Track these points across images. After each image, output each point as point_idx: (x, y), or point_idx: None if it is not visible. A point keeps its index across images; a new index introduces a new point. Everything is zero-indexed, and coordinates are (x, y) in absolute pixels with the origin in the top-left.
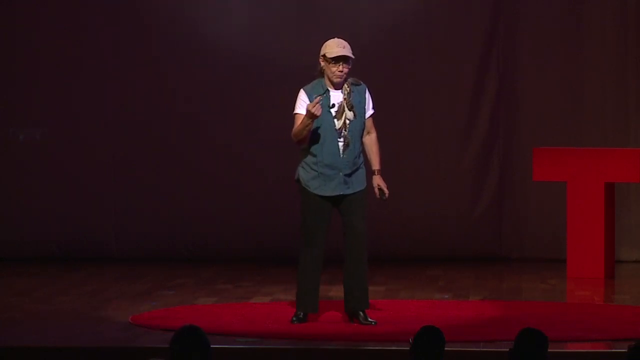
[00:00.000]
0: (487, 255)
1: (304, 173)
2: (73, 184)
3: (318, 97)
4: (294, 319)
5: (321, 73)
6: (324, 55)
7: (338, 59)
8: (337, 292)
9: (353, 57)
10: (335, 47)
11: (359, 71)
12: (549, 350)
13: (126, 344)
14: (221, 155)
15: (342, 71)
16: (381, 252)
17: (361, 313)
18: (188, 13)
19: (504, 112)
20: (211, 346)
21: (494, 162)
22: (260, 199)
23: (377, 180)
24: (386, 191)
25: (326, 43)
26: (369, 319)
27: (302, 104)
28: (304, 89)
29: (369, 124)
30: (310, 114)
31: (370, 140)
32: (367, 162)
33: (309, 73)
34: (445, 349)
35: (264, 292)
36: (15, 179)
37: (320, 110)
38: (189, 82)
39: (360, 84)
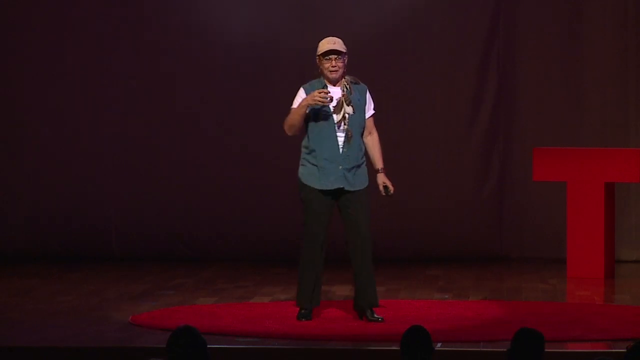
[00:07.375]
0: (487, 255)
1: (304, 169)
2: (73, 184)
3: (327, 90)
4: (300, 315)
5: (320, 74)
6: (318, 56)
7: (328, 53)
8: (336, 292)
9: (344, 51)
10: (326, 44)
11: (360, 71)
12: (548, 350)
13: (126, 344)
14: (221, 155)
15: (334, 66)
16: (381, 252)
17: (369, 310)
18: (190, 13)
19: (504, 112)
20: (211, 346)
21: (494, 162)
22: (260, 199)
23: (382, 178)
24: (391, 187)
25: (319, 43)
26: (376, 315)
27: (299, 100)
28: (303, 87)
29: (370, 124)
30: (311, 97)
31: (372, 141)
32: (370, 162)
33: (311, 71)
34: (445, 349)
35: (264, 292)
36: (15, 179)
37: (328, 98)
38: (189, 82)
39: (360, 84)
